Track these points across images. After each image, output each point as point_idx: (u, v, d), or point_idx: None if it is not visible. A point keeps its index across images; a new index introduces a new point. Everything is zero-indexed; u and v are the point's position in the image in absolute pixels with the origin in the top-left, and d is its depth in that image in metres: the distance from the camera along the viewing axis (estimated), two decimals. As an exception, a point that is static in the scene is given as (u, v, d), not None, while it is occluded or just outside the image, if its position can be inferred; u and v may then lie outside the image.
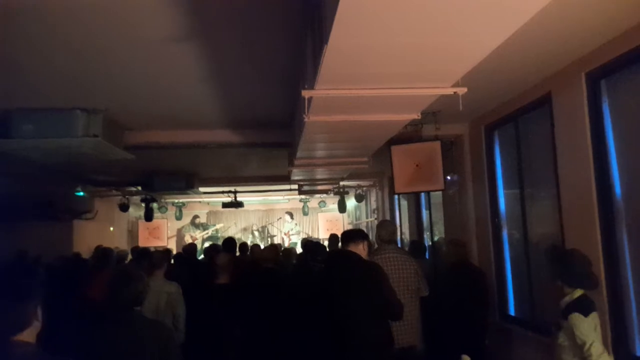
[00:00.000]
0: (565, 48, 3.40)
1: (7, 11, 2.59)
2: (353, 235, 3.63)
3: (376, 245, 4.62)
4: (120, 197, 10.15)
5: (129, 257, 8.05)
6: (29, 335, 1.83)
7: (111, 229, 11.71)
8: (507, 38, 2.20)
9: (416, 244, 6.52)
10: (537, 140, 4.44)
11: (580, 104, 3.58)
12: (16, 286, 1.89)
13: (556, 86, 3.91)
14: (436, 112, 4.48)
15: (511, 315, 4.95)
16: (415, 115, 3.39)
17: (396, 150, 4.95)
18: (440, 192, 6.12)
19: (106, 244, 8.27)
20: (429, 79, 2.71)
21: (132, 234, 13.19)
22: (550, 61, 3.68)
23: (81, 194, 9.36)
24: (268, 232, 14.15)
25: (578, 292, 2.72)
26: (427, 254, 6.80)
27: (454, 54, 2.35)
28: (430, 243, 7.22)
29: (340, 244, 4.08)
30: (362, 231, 3.83)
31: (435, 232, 7.18)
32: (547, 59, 3.63)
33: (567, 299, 2.73)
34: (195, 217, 13.79)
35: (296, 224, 14.07)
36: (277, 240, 13.49)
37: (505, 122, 4.89)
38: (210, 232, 13.68)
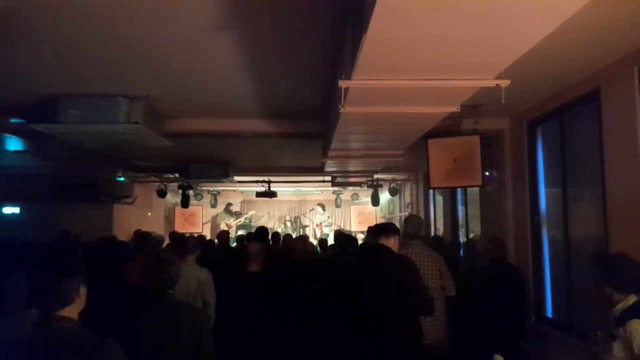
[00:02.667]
0: (615, 41, 3.23)
1: (54, 1, 2.67)
2: (385, 228, 3.61)
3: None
4: (158, 183, 10.42)
5: (166, 241, 8.28)
6: (71, 311, 1.88)
7: (149, 214, 12.07)
8: (554, 29, 2.10)
9: (439, 240, 6.42)
10: (582, 138, 4.25)
11: (631, 100, 3.39)
12: (62, 263, 1.95)
13: (605, 81, 3.72)
14: (476, 105, 4.36)
15: (548, 318, 4.79)
16: (455, 108, 3.30)
17: (433, 143, 4.85)
18: (477, 189, 5.98)
19: (144, 228, 8.50)
20: (471, 71, 2.63)
21: (169, 219, 13.55)
22: (600, 55, 3.50)
23: (122, 179, 9.67)
24: (300, 223, 14.23)
25: (632, 299, 2.53)
26: (461, 251, 6.68)
27: (498, 44, 2.27)
28: (465, 240, 7.07)
29: (371, 236, 4.06)
30: (394, 225, 3.80)
31: (471, 229, 7.03)
32: (595, 53, 3.45)
33: (620, 306, 2.51)
34: (229, 204, 14.02)
35: (328, 217, 14.08)
36: (309, 232, 13.54)
37: (549, 117, 4.71)
38: (243, 220, 13.88)
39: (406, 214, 10.83)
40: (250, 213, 14.12)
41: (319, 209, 14.01)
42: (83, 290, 1.95)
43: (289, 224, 14.14)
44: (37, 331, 1.85)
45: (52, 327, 1.83)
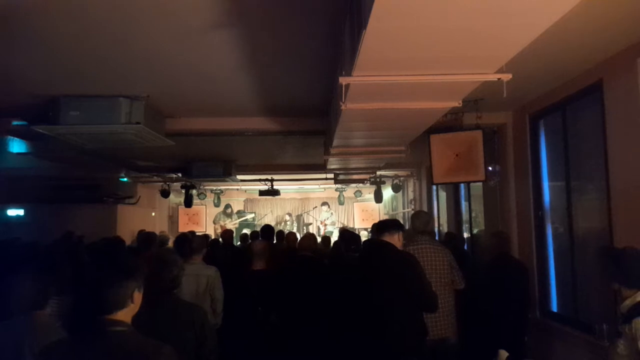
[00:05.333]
0: (618, 33, 3.20)
1: (54, 2, 2.66)
2: (388, 225, 3.59)
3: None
4: (161, 183, 10.44)
5: (171, 241, 8.29)
6: (124, 315, 1.84)
7: (153, 214, 12.08)
8: (556, 21, 2.08)
9: (452, 236, 6.41)
10: (585, 131, 4.22)
11: (634, 92, 3.37)
12: (120, 264, 1.92)
13: (608, 73, 3.69)
14: (478, 99, 4.34)
15: (553, 312, 4.77)
16: (456, 103, 3.28)
17: (435, 139, 4.83)
18: (480, 184, 5.96)
19: (148, 228, 8.53)
20: (472, 65, 2.60)
21: (173, 219, 13.57)
22: (602, 46, 3.47)
23: (125, 179, 9.68)
24: (304, 221, 14.23)
25: None
26: (465, 246, 6.67)
27: (499, 37, 2.24)
28: (469, 235, 7.06)
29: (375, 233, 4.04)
30: (398, 221, 3.79)
31: (475, 224, 7.01)
32: (598, 44, 3.43)
33: (628, 302, 2.45)
34: (227, 206, 14.01)
35: (332, 214, 14.08)
36: (312, 229, 13.53)
37: (551, 110, 4.68)
38: (238, 222, 13.80)
39: (409, 210, 10.81)
40: (250, 216, 14.10)
41: (324, 207, 14.01)
42: (138, 295, 1.90)
43: (289, 222, 14.12)
44: (88, 334, 1.78)
45: (105, 330, 1.77)
